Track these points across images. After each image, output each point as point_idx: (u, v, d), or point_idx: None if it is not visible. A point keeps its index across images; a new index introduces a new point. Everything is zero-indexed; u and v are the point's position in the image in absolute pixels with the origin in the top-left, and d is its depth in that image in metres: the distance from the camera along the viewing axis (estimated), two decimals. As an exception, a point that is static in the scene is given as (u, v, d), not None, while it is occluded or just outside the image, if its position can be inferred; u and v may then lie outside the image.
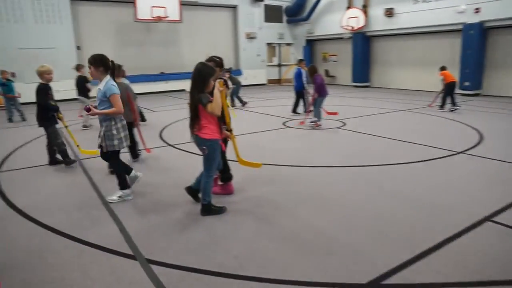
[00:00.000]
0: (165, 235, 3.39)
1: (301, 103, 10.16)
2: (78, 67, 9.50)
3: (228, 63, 19.68)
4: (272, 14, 20.84)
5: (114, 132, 4.04)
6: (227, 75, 12.18)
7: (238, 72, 19.99)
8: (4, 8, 14.28)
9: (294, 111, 10.12)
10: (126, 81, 5.86)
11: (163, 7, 16.31)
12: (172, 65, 18.22)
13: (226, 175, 4.35)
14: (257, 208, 3.92)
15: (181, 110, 11.69)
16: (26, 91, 11.76)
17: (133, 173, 4.37)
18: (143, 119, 8.53)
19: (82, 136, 8.15)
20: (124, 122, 4.22)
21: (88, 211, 3.99)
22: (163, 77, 18.04)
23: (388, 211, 3.78)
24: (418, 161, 5.52)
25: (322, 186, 4.55)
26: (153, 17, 16.27)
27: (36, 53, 14.76)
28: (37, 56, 14.73)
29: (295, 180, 4.81)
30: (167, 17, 16.52)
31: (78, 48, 16.07)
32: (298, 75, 9.93)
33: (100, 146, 4.16)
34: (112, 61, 4.09)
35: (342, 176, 4.95)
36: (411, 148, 6.35)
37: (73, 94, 11.67)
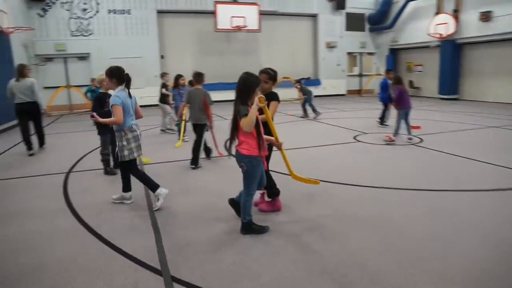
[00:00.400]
0: (198, 252, 3.20)
1: (386, 114, 9.83)
2: (162, 75, 9.92)
3: (306, 73, 19.48)
4: (353, 23, 20.11)
5: (124, 143, 4.14)
6: (297, 86, 11.93)
7: (317, 82, 19.62)
8: (102, 24, 15.68)
9: (382, 123, 9.75)
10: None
11: (243, 17, 16.62)
12: (250, 74, 18.42)
13: (272, 191, 4.06)
14: (303, 231, 3.56)
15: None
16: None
17: (160, 190, 4.29)
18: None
19: (151, 140, 8.46)
20: (136, 133, 4.23)
21: (132, 218, 3.98)
22: (241, 85, 18.30)
23: (458, 248, 3.16)
24: (508, 189, 4.68)
25: (382, 211, 4.02)
26: (233, 27, 16.66)
27: (124, 62, 15.79)
28: (125, 65, 15.83)
29: (352, 202, 4.34)
30: (246, 26, 16.79)
31: (162, 57, 17.03)
32: (384, 85, 9.62)
33: (117, 155, 4.26)
34: (127, 74, 4.16)
35: (408, 201, 4.35)
36: (498, 172, 5.45)
37: (153, 100, 12.37)
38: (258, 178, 3.50)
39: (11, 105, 7.50)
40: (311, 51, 19.95)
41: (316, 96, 19.05)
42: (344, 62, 20.34)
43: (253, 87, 3.31)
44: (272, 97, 3.99)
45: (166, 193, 4.28)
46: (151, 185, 4.29)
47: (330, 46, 19.67)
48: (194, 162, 6.03)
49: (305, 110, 11.71)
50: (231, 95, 14.50)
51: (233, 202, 3.84)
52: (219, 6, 16.35)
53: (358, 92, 20.84)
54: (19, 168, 6.36)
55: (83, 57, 15.73)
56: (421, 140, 7.74)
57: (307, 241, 3.33)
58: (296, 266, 2.91)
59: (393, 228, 3.57)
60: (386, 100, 9.61)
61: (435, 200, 4.33)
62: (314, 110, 11.54)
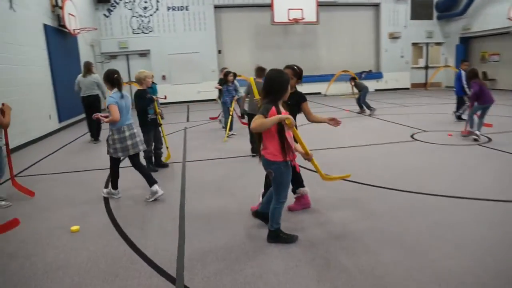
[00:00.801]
0: (218, 260, 3.03)
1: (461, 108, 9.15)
2: (222, 70, 9.77)
3: (368, 66, 18.60)
4: (420, 11, 18.73)
5: (110, 142, 4.46)
6: (352, 82, 11.32)
7: (379, 75, 18.70)
8: (162, 21, 16.15)
9: (459, 117, 9.05)
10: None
11: (300, 9, 16.19)
12: (309, 67, 17.89)
13: (295, 186, 3.86)
14: (334, 242, 3.25)
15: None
16: (171, 92, 13.16)
17: (115, 191, 4.66)
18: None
19: (203, 135, 8.50)
20: (124, 135, 4.39)
21: (161, 220, 3.92)
22: (298, 79, 17.92)
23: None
24: None
25: (425, 224, 3.54)
26: (290, 20, 16.30)
27: (182, 58, 16.29)
28: (183, 60, 16.27)
29: (394, 211, 3.90)
30: (303, 19, 16.35)
31: (219, 52, 17.16)
32: (459, 77, 8.92)
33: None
34: (115, 76, 4.44)
35: (460, 213, 3.82)
36: None
37: (213, 95, 12.57)
38: (289, 184, 3.26)
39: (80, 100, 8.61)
40: (372, 42, 18.97)
41: (377, 90, 18.26)
42: (409, 53, 19.07)
43: (284, 84, 3.06)
44: (299, 97, 3.79)
45: (115, 197, 4.61)
46: (114, 184, 4.63)
47: (394, 37, 18.53)
48: (255, 150, 6.38)
49: (361, 106, 11.12)
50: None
51: (257, 214, 3.60)
52: (275, -2, 16.08)
53: (424, 85, 19.46)
54: (70, 162, 6.68)
55: (143, 54, 16.34)
56: (489, 139, 6.93)
57: (336, 255, 3.02)
58: (319, 285, 2.63)
59: (441, 249, 3.12)
60: (461, 93, 8.85)
61: (497, 215, 3.77)
62: (368, 107, 10.91)
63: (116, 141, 4.40)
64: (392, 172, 5.23)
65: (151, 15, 16.03)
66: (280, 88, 3.05)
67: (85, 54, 13.16)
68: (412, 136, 7.58)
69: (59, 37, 10.81)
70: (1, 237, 3.59)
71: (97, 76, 8.48)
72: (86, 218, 4.04)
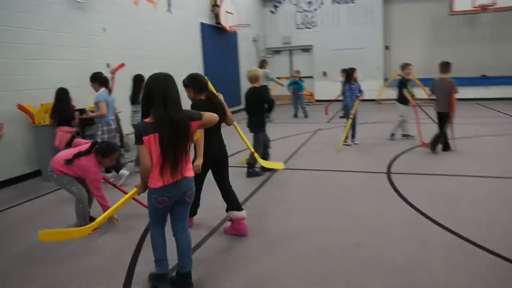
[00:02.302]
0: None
1: None
2: (404, 66, 7.89)
3: None
4: None
5: (99, 133, 5.22)
6: None
7: None
8: (325, 16, 15.79)
9: None
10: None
11: (491, -8, 13.22)
12: (502, 66, 14.63)
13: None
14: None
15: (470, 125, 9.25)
16: (330, 89, 12.68)
17: (122, 171, 5.28)
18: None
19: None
20: (111, 127, 5.27)
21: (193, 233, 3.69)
22: (483, 81, 14.85)
23: None
24: None
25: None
26: (475, 7, 13.53)
27: (345, 54, 15.50)
28: (345, 56, 15.48)
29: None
30: (494, 4, 13.29)
31: (387, 47, 15.72)
32: None
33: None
34: (105, 76, 5.33)
35: None
36: None
37: (373, 94, 11.71)
38: None
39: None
40: None
41: None
42: None
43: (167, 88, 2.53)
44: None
45: (127, 174, 5.28)
46: (116, 169, 5.26)
47: None
48: (445, 147, 6.52)
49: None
50: (466, 92, 12.17)
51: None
52: (457, -17, 13.56)
53: None
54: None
55: (306, 49, 16.29)
56: None
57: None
58: None
59: None
60: None
61: None
62: None
63: (105, 132, 5.22)
64: (484, 220, 3.65)
65: (315, 9, 15.80)
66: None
67: (245, 49, 13.97)
68: None
69: (216, 33, 11.72)
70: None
71: (267, 71, 9.88)
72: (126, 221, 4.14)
